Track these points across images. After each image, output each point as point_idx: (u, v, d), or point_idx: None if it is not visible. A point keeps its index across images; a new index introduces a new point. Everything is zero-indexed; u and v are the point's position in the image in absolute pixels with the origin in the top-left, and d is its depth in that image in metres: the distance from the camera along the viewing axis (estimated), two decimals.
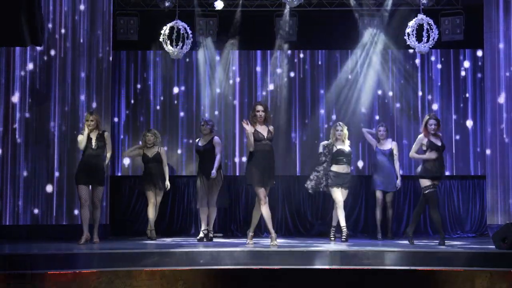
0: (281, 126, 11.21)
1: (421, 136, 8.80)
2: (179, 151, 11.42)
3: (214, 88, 11.50)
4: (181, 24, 10.16)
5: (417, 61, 11.48)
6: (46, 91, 10.15)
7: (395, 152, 10.25)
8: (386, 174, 10.17)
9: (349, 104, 11.38)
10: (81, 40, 10.33)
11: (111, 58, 10.61)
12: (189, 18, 10.93)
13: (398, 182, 10.17)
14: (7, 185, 9.94)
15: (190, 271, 7.22)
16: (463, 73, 11.40)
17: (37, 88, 10.14)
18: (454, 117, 11.32)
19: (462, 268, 7.18)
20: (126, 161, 11.38)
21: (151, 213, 10.01)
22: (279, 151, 10.42)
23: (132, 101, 11.49)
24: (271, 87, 11.54)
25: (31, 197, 10.01)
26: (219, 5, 10.85)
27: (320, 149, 9.75)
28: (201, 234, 9.47)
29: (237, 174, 11.46)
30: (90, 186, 8.96)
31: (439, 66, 11.46)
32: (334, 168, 9.53)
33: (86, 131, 8.91)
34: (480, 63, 11.27)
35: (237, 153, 11.46)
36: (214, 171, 9.37)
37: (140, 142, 10.64)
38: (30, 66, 10.13)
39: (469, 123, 11.31)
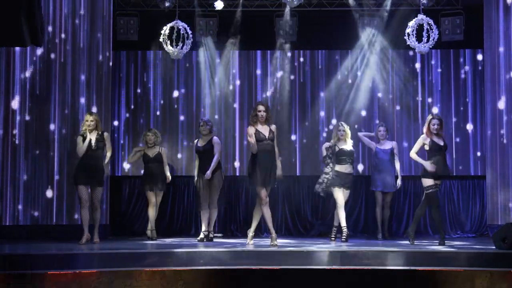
0: (281, 127, 11.19)
1: (423, 136, 8.78)
2: (179, 155, 11.41)
3: (214, 91, 11.50)
4: (181, 24, 10.16)
5: (417, 65, 11.47)
6: (46, 94, 10.13)
7: (396, 152, 10.25)
8: (386, 175, 10.15)
9: (349, 106, 11.37)
10: (81, 45, 10.32)
11: (111, 63, 10.61)
12: (189, 18, 10.93)
13: (399, 181, 10.16)
14: (7, 188, 9.93)
15: (190, 271, 7.22)
16: (463, 76, 11.39)
17: (37, 91, 10.14)
18: (454, 119, 11.30)
19: (462, 268, 7.18)
20: (126, 165, 11.38)
21: (152, 213, 10.00)
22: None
23: (132, 106, 11.47)
24: (271, 89, 11.53)
25: (31, 201, 10.00)
26: (219, 5, 10.85)
27: (324, 152, 9.70)
28: (202, 235, 9.46)
29: (237, 174, 11.46)
30: (90, 186, 8.95)
31: (439, 70, 11.45)
32: (337, 167, 9.53)
33: (87, 139, 8.88)
34: (480, 68, 11.25)
35: (237, 157, 11.45)
36: (208, 172, 9.35)
37: (141, 144, 10.63)
38: (30, 69, 10.12)
39: (469, 126, 11.30)
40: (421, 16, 9.74)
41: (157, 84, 11.54)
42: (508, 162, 10.15)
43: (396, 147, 10.31)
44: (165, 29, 10.14)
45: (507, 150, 10.18)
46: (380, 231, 10.14)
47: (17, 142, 10.02)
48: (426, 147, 8.69)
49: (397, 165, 10.21)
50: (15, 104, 10.04)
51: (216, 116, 11.38)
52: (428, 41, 9.68)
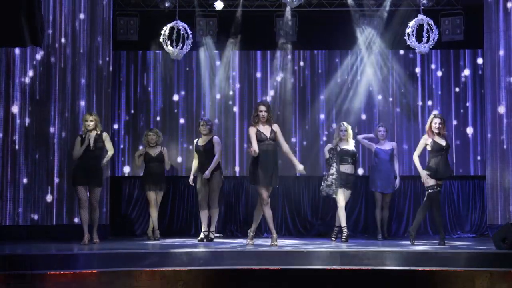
0: (281, 129, 11.16)
1: (425, 136, 8.76)
2: (179, 159, 11.40)
3: (214, 93, 11.49)
4: (181, 25, 10.15)
5: (417, 70, 11.46)
6: (46, 97, 10.13)
7: (395, 152, 10.25)
8: (386, 175, 10.14)
9: (349, 108, 11.36)
10: (81, 50, 10.31)
11: (111, 68, 10.59)
12: (189, 18, 10.92)
13: (397, 182, 10.16)
14: (7, 191, 9.93)
15: (190, 271, 7.22)
16: (463, 79, 11.38)
17: (37, 94, 10.13)
18: (454, 123, 11.28)
19: (462, 269, 7.18)
20: (127, 169, 11.38)
21: (154, 213, 9.99)
22: (279, 152, 10.39)
23: (132, 111, 11.47)
24: (271, 93, 11.53)
25: (31, 204, 10.00)
26: (219, 5, 10.86)
27: (327, 155, 9.63)
28: (202, 235, 9.45)
29: (237, 175, 11.46)
30: (88, 187, 8.93)
31: (439, 73, 11.44)
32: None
33: (86, 141, 8.87)
34: (480, 72, 11.24)
35: (237, 161, 11.44)
36: (207, 173, 9.34)
37: (141, 147, 10.59)
38: (30, 72, 10.11)
39: (470, 130, 11.30)
40: (421, 16, 9.74)
41: (157, 86, 11.53)
42: (508, 162, 10.14)
43: (395, 148, 10.31)
44: (165, 29, 10.14)
45: (507, 150, 10.17)
46: (380, 232, 10.14)
47: (17, 145, 10.01)
48: (428, 148, 8.67)
49: (396, 166, 10.21)
50: (15, 107, 10.04)
51: (216, 120, 11.34)
52: (428, 41, 9.68)
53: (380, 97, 11.44)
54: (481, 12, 10.60)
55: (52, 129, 10.14)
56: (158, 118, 11.43)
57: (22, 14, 5.64)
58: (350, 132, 9.63)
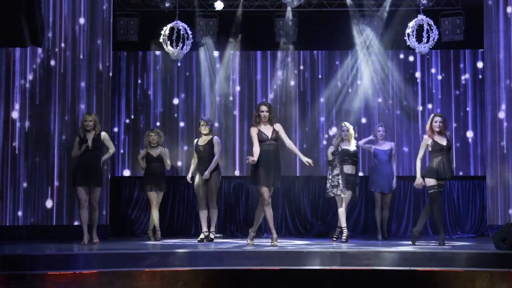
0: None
1: (425, 137, 8.75)
2: (179, 163, 11.40)
3: (214, 96, 11.49)
4: (181, 25, 10.15)
5: (418, 74, 11.44)
6: (46, 100, 10.13)
7: (394, 152, 10.24)
8: (385, 176, 10.12)
9: (348, 110, 11.34)
10: (81, 53, 10.31)
11: (110, 74, 10.58)
12: (189, 18, 10.92)
13: (394, 182, 10.14)
14: (7, 194, 9.92)
15: (190, 271, 7.22)
16: (463, 82, 11.37)
17: (36, 97, 10.13)
18: (454, 125, 11.27)
19: (462, 269, 7.18)
20: (127, 172, 11.38)
21: (155, 214, 9.97)
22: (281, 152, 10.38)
23: (132, 116, 11.46)
24: (271, 94, 11.52)
25: (31, 207, 10.00)
26: (219, 5, 10.86)
27: (330, 157, 9.59)
28: (202, 236, 9.45)
29: (237, 175, 11.45)
30: (88, 187, 8.92)
31: (439, 77, 11.43)
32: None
33: (84, 144, 8.89)
34: (480, 76, 11.23)
35: (237, 162, 11.44)
36: (206, 173, 9.35)
37: (141, 151, 10.55)
38: (30, 75, 10.11)
39: (470, 134, 11.29)
40: (421, 17, 9.74)
41: (157, 88, 11.52)
42: (508, 162, 10.14)
43: (394, 148, 10.30)
44: (165, 30, 10.14)
45: (507, 149, 10.16)
46: (379, 232, 10.13)
47: (16, 148, 10.01)
48: (429, 148, 8.66)
49: (394, 166, 10.20)
50: (15, 110, 10.04)
51: (216, 120, 11.32)
52: (428, 41, 9.68)
53: (380, 100, 11.42)
54: (481, 12, 10.59)
55: (52, 132, 10.14)
56: (158, 124, 11.37)
57: (22, 14, 5.64)
58: (352, 132, 9.59)
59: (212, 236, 9.54)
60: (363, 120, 11.37)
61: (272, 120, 8.42)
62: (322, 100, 11.49)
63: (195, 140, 9.74)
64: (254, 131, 8.36)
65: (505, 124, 10.20)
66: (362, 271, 7.25)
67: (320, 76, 11.56)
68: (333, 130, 11.18)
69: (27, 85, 10.12)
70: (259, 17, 11.45)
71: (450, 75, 11.40)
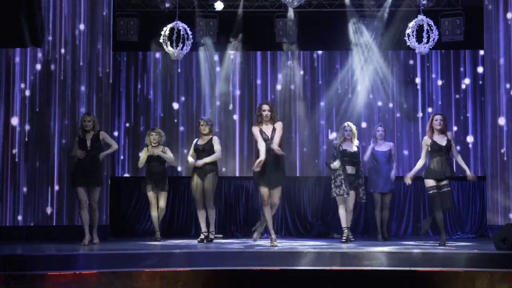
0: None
1: (425, 138, 8.76)
2: (179, 168, 11.39)
3: (214, 95, 11.49)
4: (181, 25, 10.14)
5: (418, 80, 11.44)
6: (46, 103, 10.13)
7: (393, 152, 10.22)
8: (384, 176, 10.10)
9: (349, 112, 11.32)
10: (81, 57, 10.31)
11: (111, 81, 10.56)
12: (189, 19, 10.92)
13: (393, 173, 10.09)
14: (7, 195, 9.92)
15: (190, 272, 7.22)
16: (463, 87, 11.37)
17: (36, 101, 10.13)
18: (454, 128, 11.26)
19: (462, 269, 7.18)
20: (126, 173, 11.38)
21: (155, 214, 9.95)
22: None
23: (132, 119, 11.46)
24: (271, 94, 11.52)
25: (31, 211, 9.99)
26: (219, 6, 10.86)
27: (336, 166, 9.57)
28: (201, 236, 9.43)
29: (237, 175, 11.45)
30: (88, 187, 8.91)
31: (439, 82, 11.42)
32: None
33: (82, 153, 8.89)
34: (480, 82, 11.22)
35: (237, 162, 11.43)
36: (200, 162, 9.26)
37: (140, 155, 10.53)
38: (30, 79, 10.12)
39: (470, 138, 11.29)
40: (421, 17, 9.74)
41: (157, 90, 11.51)
42: (508, 162, 10.13)
43: (393, 148, 10.28)
44: (165, 30, 10.13)
45: (507, 150, 10.16)
46: (379, 233, 10.12)
47: (16, 152, 10.00)
48: (428, 149, 8.67)
49: (394, 165, 10.18)
50: (15, 114, 10.04)
51: (217, 130, 11.30)
52: (428, 41, 9.68)
53: (380, 103, 11.42)
54: (481, 12, 10.59)
55: (52, 135, 10.13)
56: (158, 124, 11.39)
57: (22, 14, 5.64)
58: (355, 132, 9.52)
59: (212, 236, 9.53)
60: (363, 125, 11.34)
61: (274, 119, 8.39)
62: (322, 99, 11.49)
63: (195, 140, 9.72)
64: (256, 130, 8.34)
65: (505, 128, 10.18)
66: (362, 271, 7.25)
67: (320, 78, 11.55)
68: (333, 135, 11.12)
69: (27, 88, 10.11)
70: (259, 17, 11.44)
71: (450, 79, 11.38)
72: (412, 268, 7.22)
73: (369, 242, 9.42)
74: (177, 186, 11.44)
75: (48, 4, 10.18)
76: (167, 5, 10.90)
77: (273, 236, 8.41)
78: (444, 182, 8.62)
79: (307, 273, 7.27)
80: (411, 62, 11.46)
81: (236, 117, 11.54)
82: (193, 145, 9.66)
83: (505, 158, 10.14)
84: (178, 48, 10.15)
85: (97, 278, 6.95)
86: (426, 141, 8.71)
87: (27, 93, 10.12)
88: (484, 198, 11.05)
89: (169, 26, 10.14)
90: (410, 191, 11.36)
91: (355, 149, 9.49)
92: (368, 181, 10.35)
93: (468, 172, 8.67)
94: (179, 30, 10.13)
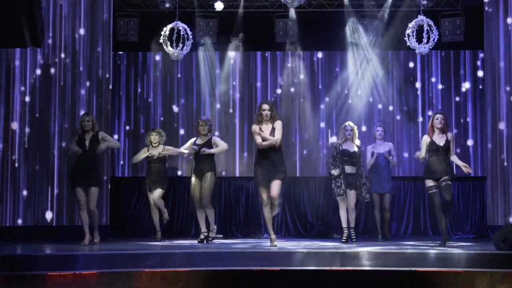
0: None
1: (425, 137, 8.79)
2: (179, 173, 11.40)
3: (214, 95, 11.49)
4: (181, 25, 10.14)
5: (418, 85, 11.44)
6: (46, 106, 10.13)
7: (393, 152, 10.21)
8: (383, 177, 10.09)
9: (349, 113, 11.32)
10: (81, 60, 10.31)
11: (110, 86, 10.56)
12: (189, 19, 10.92)
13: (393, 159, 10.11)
14: (6, 201, 9.93)
15: (190, 272, 7.21)
16: (463, 90, 11.37)
17: (36, 104, 10.13)
18: (454, 131, 11.25)
19: (462, 269, 7.18)
20: (126, 174, 11.39)
21: (154, 214, 9.96)
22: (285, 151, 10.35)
23: (132, 122, 11.47)
24: (271, 94, 11.51)
25: (31, 214, 9.99)
26: (219, 6, 10.86)
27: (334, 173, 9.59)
28: (201, 236, 9.43)
29: (237, 175, 11.45)
30: (86, 187, 8.91)
31: (440, 86, 11.42)
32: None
33: (78, 149, 8.92)
34: (481, 87, 11.22)
35: (237, 163, 11.43)
36: (206, 149, 9.22)
37: (140, 156, 10.54)
38: (29, 82, 10.12)
39: (470, 142, 11.30)
40: (421, 17, 9.74)
41: (157, 92, 11.50)
42: (508, 163, 10.13)
43: (392, 148, 10.26)
44: (165, 30, 10.13)
45: (507, 150, 10.16)
46: (379, 233, 10.12)
47: (16, 155, 10.00)
48: (428, 148, 8.69)
49: (394, 159, 10.15)
50: (15, 118, 10.04)
51: (217, 133, 11.29)
52: (428, 42, 9.68)
53: (380, 106, 11.42)
54: (481, 12, 10.59)
55: (52, 138, 10.13)
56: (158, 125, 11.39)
57: (22, 14, 5.64)
58: (356, 131, 9.51)
59: (212, 235, 9.51)
60: (363, 128, 11.32)
61: (274, 119, 8.39)
62: (321, 99, 11.50)
63: (194, 139, 9.66)
64: (255, 128, 8.35)
65: (505, 132, 10.17)
66: (362, 271, 7.25)
67: (320, 79, 11.55)
68: (333, 139, 11.10)
69: (27, 91, 10.11)
70: (259, 17, 11.44)
71: (451, 82, 11.37)
72: (412, 268, 7.22)
73: (369, 242, 9.42)
74: (177, 186, 11.44)
75: (48, 7, 10.18)
76: (167, 5, 10.91)
77: (273, 236, 8.41)
78: (444, 178, 8.60)
79: (307, 273, 7.27)
80: (411, 64, 11.45)
81: (236, 117, 11.53)
82: (191, 142, 9.60)
83: (505, 164, 10.13)
84: (178, 48, 10.15)
85: (97, 278, 6.95)
86: (426, 139, 8.74)
87: (27, 95, 10.11)
88: (484, 198, 11.04)
89: (169, 26, 10.14)
90: (410, 191, 11.36)
91: (355, 149, 9.46)
92: (368, 181, 10.35)
93: (461, 164, 8.62)
94: (179, 30, 10.13)
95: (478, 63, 11.34)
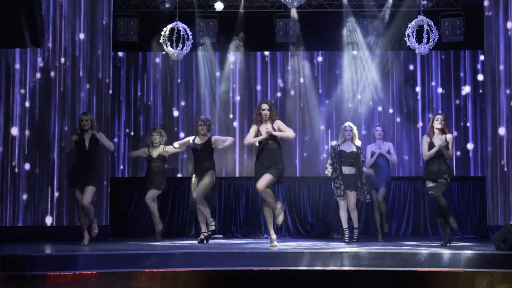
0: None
1: (425, 136, 8.80)
2: (179, 175, 11.40)
3: (214, 95, 11.49)
4: (181, 26, 10.14)
5: (418, 89, 11.43)
6: (46, 110, 10.13)
7: (392, 152, 10.19)
8: (381, 175, 10.08)
9: (349, 113, 11.31)
10: (81, 63, 10.30)
11: (110, 91, 10.54)
12: (189, 19, 10.92)
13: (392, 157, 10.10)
14: (6, 205, 9.93)
15: (190, 272, 7.22)
16: (463, 93, 11.37)
17: (36, 108, 10.13)
18: (455, 134, 11.24)
19: (462, 269, 7.18)
20: (126, 174, 11.39)
21: (154, 214, 9.97)
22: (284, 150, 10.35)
23: (132, 124, 11.48)
24: (271, 94, 11.52)
25: (31, 217, 9.99)
26: (219, 6, 10.86)
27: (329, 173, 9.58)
28: (201, 236, 9.41)
29: (237, 175, 11.45)
30: (83, 186, 8.90)
31: (440, 90, 11.41)
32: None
33: (72, 144, 8.92)
34: (481, 91, 11.21)
35: (237, 163, 11.42)
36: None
37: (137, 154, 10.54)
38: (29, 85, 10.12)
39: (470, 145, 11.31)
40: (421, 17, 9.74)
41: (157, 92, 11.50)
42: (508, 163, 10.13)
43: (392, 148, 10.23)
44: (165, 30, 10.13)
45: (508, 150, 10.16)
46: (379, 233, 10.11)
47: (16, 158, 10.00)
48: (428, 148, 8.70)
49: (394, 157, 10.14)
50: (15, 121, 10.04)
51: (217, 131, 11.30)
52: (428, 42, 9.68)
53: (380, 108, 11.42)
54: (481, 13, 10.59)
55: (51, 140, 10.13)
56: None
57: (22, 14, 5.64)
58: (356, 132, 9.48)
59: (212, 227, 9.31)
60: (363, 132, 11.31)
61: (273, 119, 8.38)
62: (321, 99, 11.50)
63: (193, 137, 9.55)
64: (253, 129, 8.36)
65: (505, 136, 10.16)
66: (362, 271, 7.25)
67: (319, 79, 11.54)
68: (334, 143, 11.09)
69: (27, 94, 10.10)
70: (259, 17, 11.44)
71: (451, 84, 11.37)
72: (412, 268, 7.22)
73: (369, 242, 9.42)
74: (177, 187, 11.44)
75: (48, 7, 10.18)
76: (167, 5, 10.91)
77: (273, 236, 8.41)
78: (438, 184, 8.59)
79: (307, 273, 7.27)
80: (411, 66, 11.44)
81: (236, 116, 11.53)
82: (190, 139, 9.56)
83: (505, 169, 10.12)
84: (178, 48, 10.14)
85: (97, 279, 6.95)
86: (425, 139, 8.74)
87: (27, 98, 10.10)
88: (484, 199, 11.04)
89: (169, 26, 10.14)
90: (410, 191, 11.36)
91: (353, 149, 9.39)
92: (368, 181, 10.35)
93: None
94: (179, 31, 10.13)
95: (478, 66, 11.34)
